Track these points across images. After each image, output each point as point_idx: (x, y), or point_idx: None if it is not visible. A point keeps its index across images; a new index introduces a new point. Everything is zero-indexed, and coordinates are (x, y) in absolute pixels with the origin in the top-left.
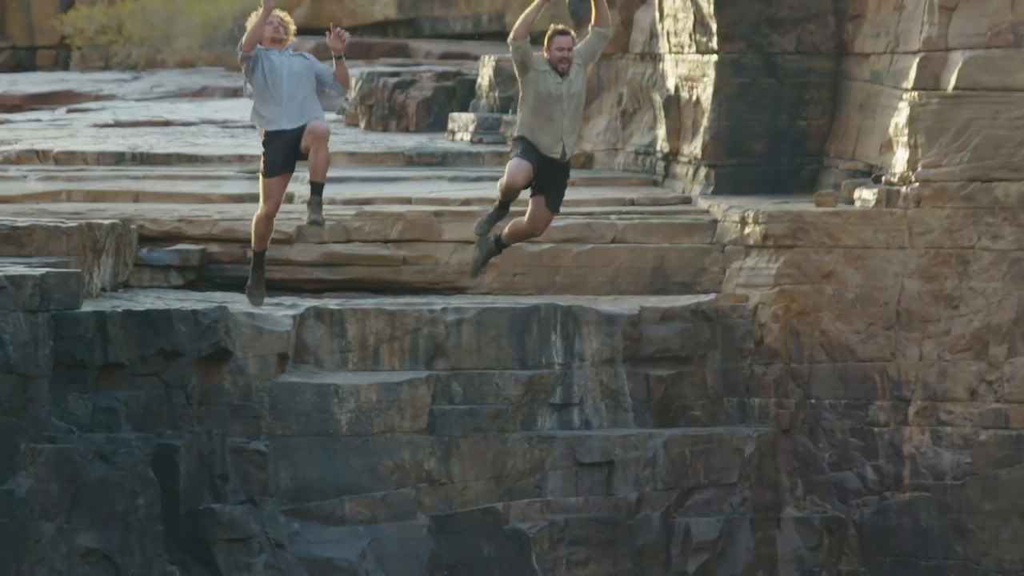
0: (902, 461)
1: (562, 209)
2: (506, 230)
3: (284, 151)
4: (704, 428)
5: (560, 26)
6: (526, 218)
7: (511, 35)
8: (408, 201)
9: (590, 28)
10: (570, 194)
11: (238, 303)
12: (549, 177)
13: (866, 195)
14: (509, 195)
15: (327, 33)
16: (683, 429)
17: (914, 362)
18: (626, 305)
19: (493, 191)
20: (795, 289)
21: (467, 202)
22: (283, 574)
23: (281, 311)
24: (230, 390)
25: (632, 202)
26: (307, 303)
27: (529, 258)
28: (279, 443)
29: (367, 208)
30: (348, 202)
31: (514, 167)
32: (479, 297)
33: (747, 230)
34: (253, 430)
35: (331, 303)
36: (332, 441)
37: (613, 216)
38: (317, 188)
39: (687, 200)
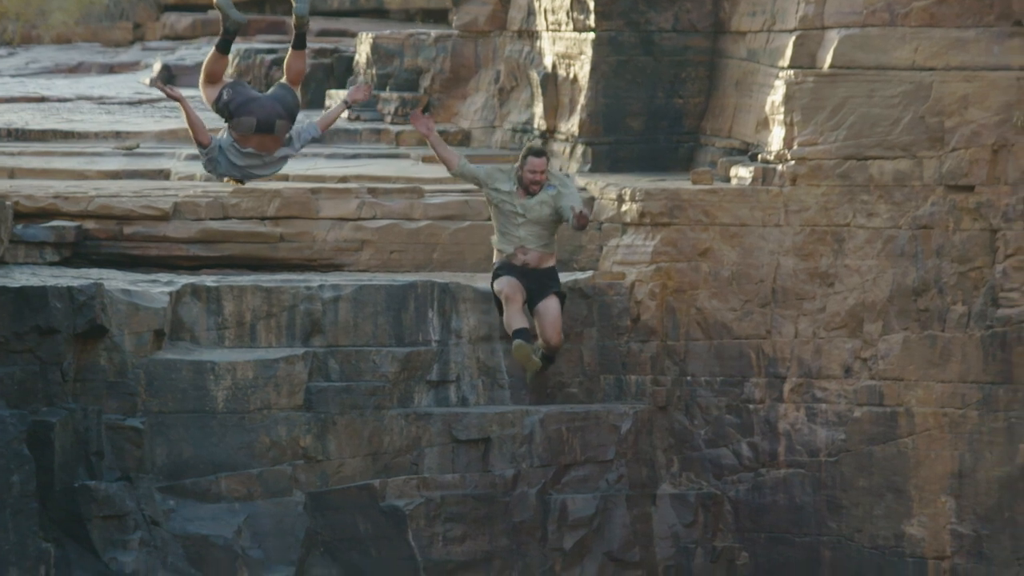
0: (777, 438)
1: (439, 187)
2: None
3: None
4: (581, 405)
5: (536, 144)
6: (540, 337)
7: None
8: (285, 178)
9: (569, 209)
10: (447, 172)
11: (114, 280)
12: (533, 286)
13: (742, 173)
14: (514, 317)
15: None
16: (560, 406)
17: (789, 339)
18: None
19: (371, 168)
20: (671, 267)
21: (344, 179)
22: (158, 551)
23: (157, 288)
24: (106, 367)
25: None
26: (183, 280)
27: (406, 235)
28: (155, 420)
29: (244, 185)
30: None
31: (499, 289)
32: (356, 274)
33: (624, 208)
34: (129, 407)
35: (207, 280)
36: (208, 418)
37: None
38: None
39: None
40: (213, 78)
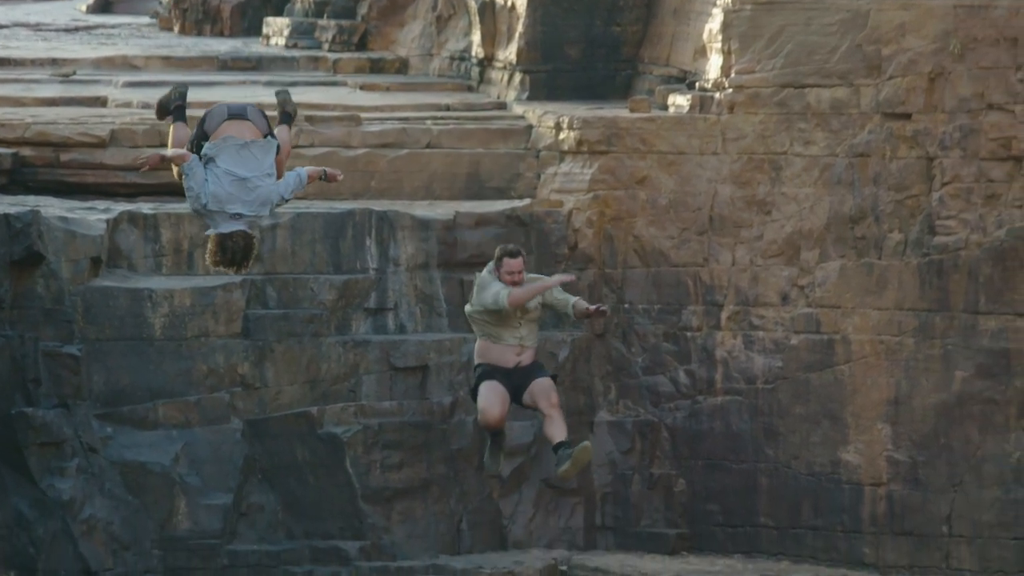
0: (714, 365)
1: (376, 114)
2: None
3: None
4: None
5: (510, 246)
6: (540, 416)
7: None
8: None
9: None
10: (385, 99)
11: (51, 207)
12: (521, 381)
13: (680, 101)
14: (493, 427)
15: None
16: None
17: (727, 267)
18: (441, 210)
19: (309, 95)
20: (609, 195)
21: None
22: (96, 478)
23: (94, 215)
24: (43, 294)
25: (447, 108)
26: (120, 207)
27: (344, 163)
28: (92, 347)
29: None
30: None
31: (483, 395)
32: (294, 202)
33: (562, 136)
34: (66, 334)
35: (145, 207)
36: (146, 345)
37: (428, 122)
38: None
39: (502, 106)
40: (181, 144)
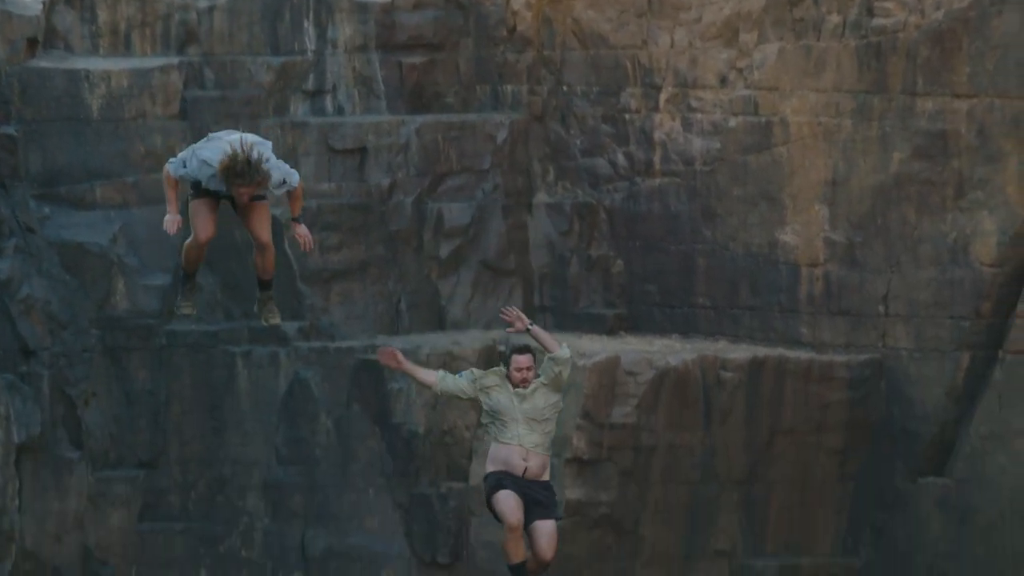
0: (652, 147)
1: None
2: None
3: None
4: (457, 115)
5: (519, 343)
6: (532, 553)
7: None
8: None
9: (545, 358)
10: None
11: None
12: (533, 500)
13: None
14: (514, 549)
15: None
16: (436, 115)
17: (665, 49)
18: None
19: None
20: None
21: None
22: (33, 258)
23: None
24: None
25: None
26: None
27: None
28: (29, 128)
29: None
30: None
31: (500, 501)
32: None
33: None
34: (3, 115)
35: None
36: (83, 126)
37: None
38: (267, 285)
39: None
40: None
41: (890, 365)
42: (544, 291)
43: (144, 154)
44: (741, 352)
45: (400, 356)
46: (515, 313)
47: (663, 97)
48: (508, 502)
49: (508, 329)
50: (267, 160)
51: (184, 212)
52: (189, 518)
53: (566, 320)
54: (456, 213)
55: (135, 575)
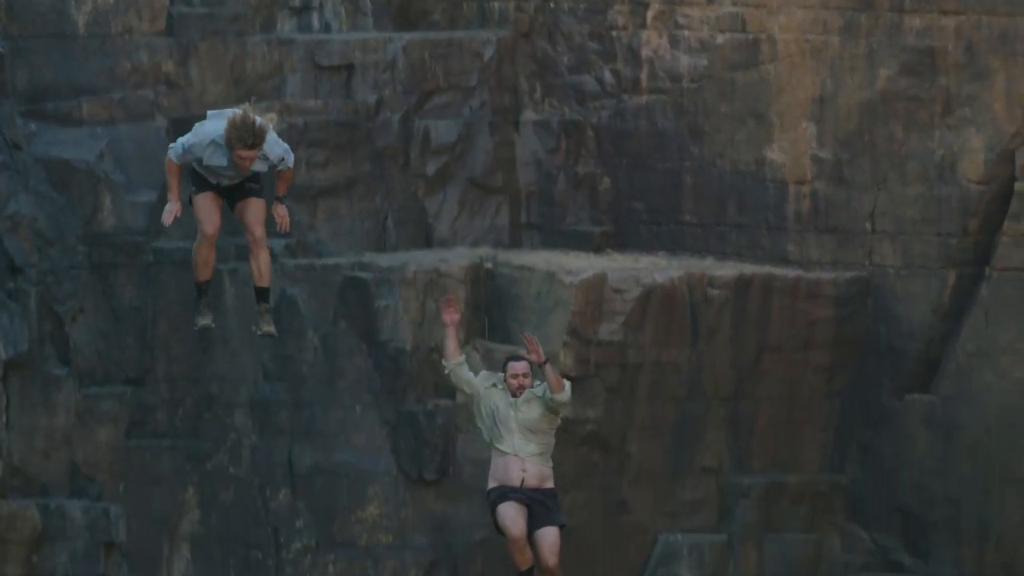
0: (640, 64)
1: None
2: None
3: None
4: (443, 32)
5: (515, 351)
6: (536, 561)
7: (444, 360)
8: None
9: (548, 393)
10: None
11: None
12: (535, 510)
13: None
14: (520, 557)
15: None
16: (423, 33)
17: None
18: None
19: None
20: None
21: None
22: (20, 175)
23: None
24: None
25: None
26: None
27: None
28: (16, 44)
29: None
30: None
31: (501, 515)
32: None
33: None
34: None
35: None
36: (70, 42)
37: None
38: (263, 294)
39: None
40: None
41: (877, 282)
42: (531, 208)
43: (130, 70)
44: (728, 269)
45: (456, 319)
46: (536, 344)
47: (650, 14)
48: (508, 514)
49: (521, 352)
50: (269, 131)
51: (187, 214)
52: (176, 435)
53: (553, 237)
54: (443, 130)
55: (122, 491)
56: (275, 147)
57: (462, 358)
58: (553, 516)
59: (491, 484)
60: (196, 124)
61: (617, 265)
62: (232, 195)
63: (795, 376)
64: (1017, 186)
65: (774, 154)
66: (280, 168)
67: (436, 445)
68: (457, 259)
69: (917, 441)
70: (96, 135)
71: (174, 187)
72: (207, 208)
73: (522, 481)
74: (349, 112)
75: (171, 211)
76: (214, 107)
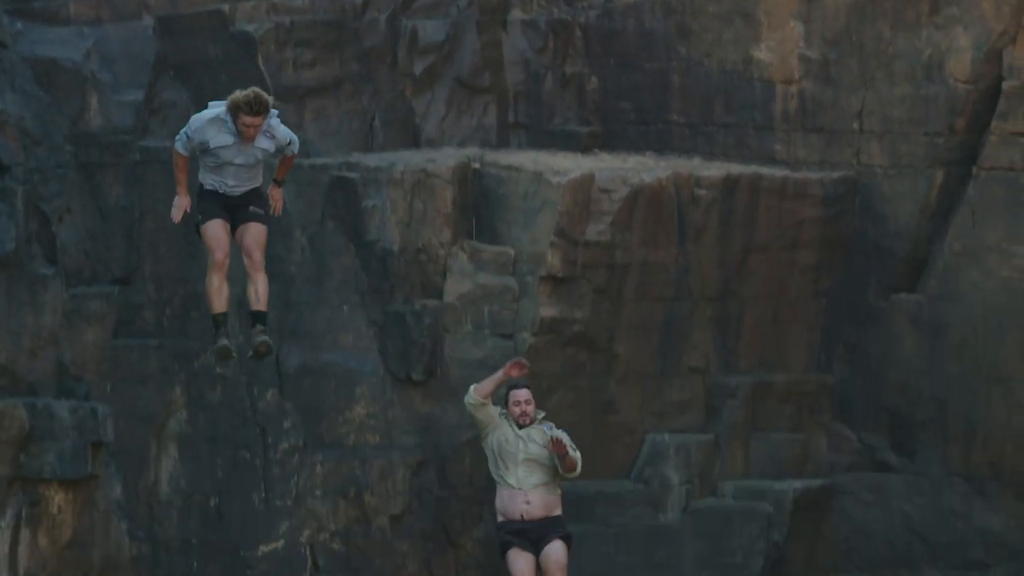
0: None
1: None
2: None
3: (221, 207)
4: None
5: (520, 382)
6: None
7: (473, 388)
8: None
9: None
10: None
11: None
12: (539, 536)
13: None
14: None
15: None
16: None
17: None
18: None
19: None
20: None
21: None
22: (7, 74)
23: None
24: None
25: None
26: None
27: None
28: None
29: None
30: None
31: (510, 563)
32: None
33: None
34: None
35: None
36: None
37: None
38: (260, 318)
39: None
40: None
41: (864, 182)
42: (519, 108)
43: None
44: (715, 169)
45: (515, 375)
46: (558, 440)
47: None
48: (517, 564)
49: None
50: (276, 118)
51: (191, 217)
52: (163, 334)
53: (540, 137)
54: (430, 30)
55: (109, 391)
56: (282, 129)
57: (489, 400)
58: (556, 535)
59: (498, 517)
60: (194, 115)
61: (605, 165)
62: (235, 216)
63: (782, 276)
64: (1005, 85)
65: (761, 54)
66: (286, 153)
67: (423, 345)
68: (445, 159)
69: (904, 341)
70: (83, 34)
71: (181, 181)
72: (215, 235)
73: (524, 514)
74: (336, 12)
75: (180, 206)
76: (201, 5)
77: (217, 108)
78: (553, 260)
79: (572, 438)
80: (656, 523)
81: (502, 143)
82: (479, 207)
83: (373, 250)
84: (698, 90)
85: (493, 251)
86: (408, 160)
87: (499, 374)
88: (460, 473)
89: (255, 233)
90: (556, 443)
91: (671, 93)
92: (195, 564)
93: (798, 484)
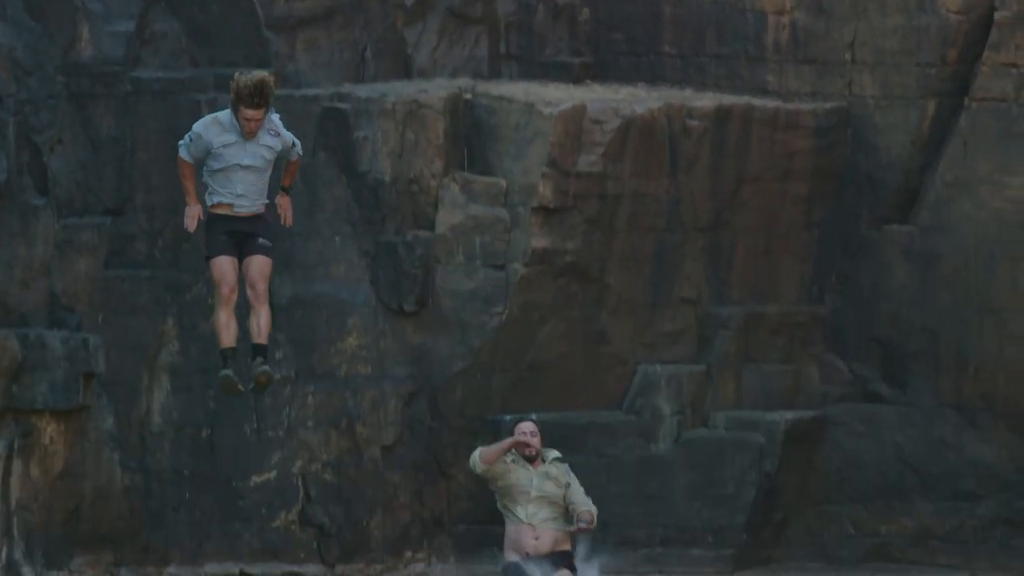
0: None
1: None
2: None
3: (229, 239)
4: None
5: (526, 416)
6: None
7: (479, 454)
8: None
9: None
10: None
11: None
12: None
13: None
14: None
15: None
16: None
17: None
18: None
19: None
20: None
21: None
22: None
23: None
24: None
25: None
26: None
27: None
28: None
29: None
30: None
31: None
32: None
33: None
34: None
35: None
36: None
37: None
38: (261, 351)
39: None
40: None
41: (856, 113)
42: (510, 39)
43: None
44: (707, 100)
45: (521, 445)
46: (590, 522)
47: None
48: None
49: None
50: (277, 118)
51: (202, 222)
52: (155, 265)
53: (532, 68)
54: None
55: (101, 321)
56: (286, 130)
57: (495, 465)
58: (568, 562)
59: (507, 555)
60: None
61: (596, 96)
62: (242, 247)
63: (774, 207)
64: (997, 15)
65: None
66: (290, 157)
67: (415, 276)
68: (436, 90)
69: (896, 272)
70: None
71: (190, 189)
72: (222, 271)
73: (532, 550)
74: None
75: (192, 215)
76: None
77: (216, 113)
78: (544, 191)
79: (563, 367)
80: (648, 454)
81: (494, 74)
82: (471, 138)
83: (365, 181)
84: (690, 21)
85: (485, 182)
86: (400, 91)
87: (506, 443)
88: (452, 404)
89: (260, 265)
90: (583, 527)
91: (663, 24)
92: (187, 495)
93: (790, 415)
